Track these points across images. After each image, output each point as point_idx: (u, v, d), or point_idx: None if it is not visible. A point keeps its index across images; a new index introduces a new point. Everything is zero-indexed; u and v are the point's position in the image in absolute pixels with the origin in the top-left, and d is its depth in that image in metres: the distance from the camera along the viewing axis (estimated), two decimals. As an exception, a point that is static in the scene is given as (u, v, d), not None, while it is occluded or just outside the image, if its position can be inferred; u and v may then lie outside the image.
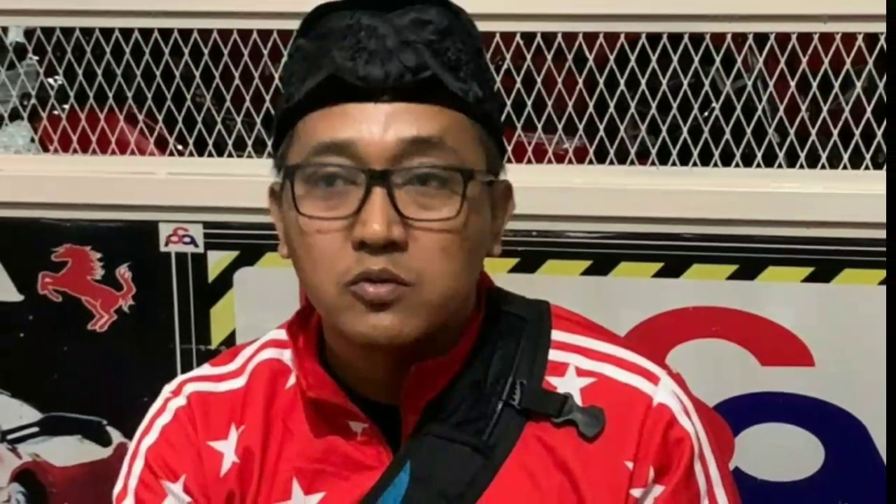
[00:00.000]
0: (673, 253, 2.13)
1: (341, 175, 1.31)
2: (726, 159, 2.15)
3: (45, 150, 2.37)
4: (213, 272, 2.26)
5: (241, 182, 2.18)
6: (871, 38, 2.07)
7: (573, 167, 2.21)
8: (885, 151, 2.09)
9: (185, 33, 2.21)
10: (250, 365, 1.46)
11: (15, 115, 2.38)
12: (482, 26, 1.40)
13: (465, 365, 1.38)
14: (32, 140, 2.42)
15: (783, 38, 2.09)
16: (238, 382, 1.45)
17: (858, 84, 2.10)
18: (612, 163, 2.18)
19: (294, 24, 1.38)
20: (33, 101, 2.34)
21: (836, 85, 2.10)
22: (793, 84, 2.11)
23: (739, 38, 2.12)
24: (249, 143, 2.27)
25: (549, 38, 2.14)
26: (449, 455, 1.36)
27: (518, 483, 1.36)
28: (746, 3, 2.06)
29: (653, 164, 2.18)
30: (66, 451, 2.37)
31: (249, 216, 2.17)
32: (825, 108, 2.11)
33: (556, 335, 1.42)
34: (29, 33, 2.32)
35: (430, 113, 1.31)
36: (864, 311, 2.07)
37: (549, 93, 2.17)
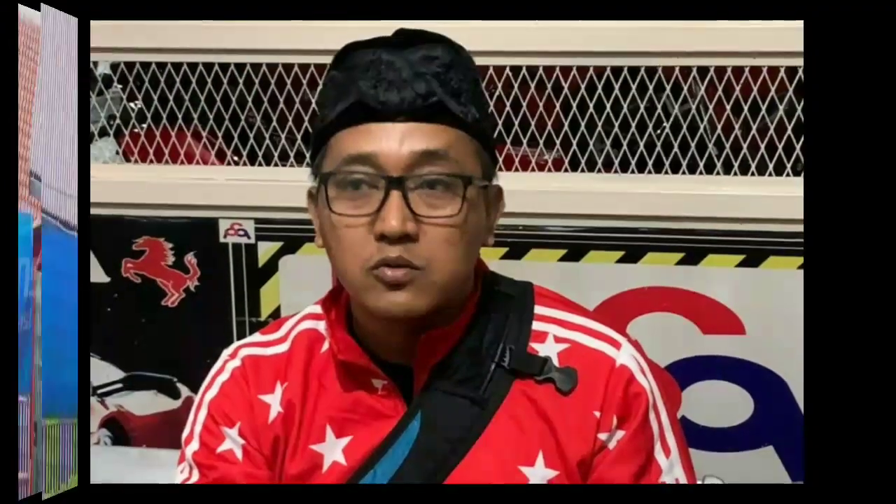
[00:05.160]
0: (632, 243, 2.12)
1: (365, 181, 1.31)
2: (675, 167, 2.14)
3: (127, 160, 2.37)
4: (262, 259, 2.25)
5: (285, 186, 2.17)
6: (791, 71, 2.06)
7: (552, 174, 2.21)
8: (802, 162, 2.09)
9: (240, 66, 2.21)
10: (292, 333, 1.46)
11: (103, 133, 2.38)
12: (479, 61, 1.39)
13: (465, 333, 1.38)
14: (117, 153, 2.41)
15: (720, 70, 2.08)
16: (282, 348, 1.45)
17: (781, 107, 2.10)
18: (583, 171, 2.17)
19: (327, 59, 1.37)
20: (118, 121, 2.34)
21: (763, 108, 2.09)
22: (728, 107, 2.11)
23: (685, 71, 2.11)
24: (292, 154, 2.27)
25: (532, 70, 2.13)
26: (452, 406, 1.36)
27: (507, 428, 1.36)
28: (691, 42, 2.05)
29: (616, 171, 2.17)
30: (144, 403, 2.37)
31: (292, 214, 2.16)
32: (754, 127, 2.11)
33: (538, 309, 1.42)
34: (114, 66, 2.31)
35: (437, 131, 1.31)
36: (786, 289, 2.07)
37: (532, 114, 2.16)
